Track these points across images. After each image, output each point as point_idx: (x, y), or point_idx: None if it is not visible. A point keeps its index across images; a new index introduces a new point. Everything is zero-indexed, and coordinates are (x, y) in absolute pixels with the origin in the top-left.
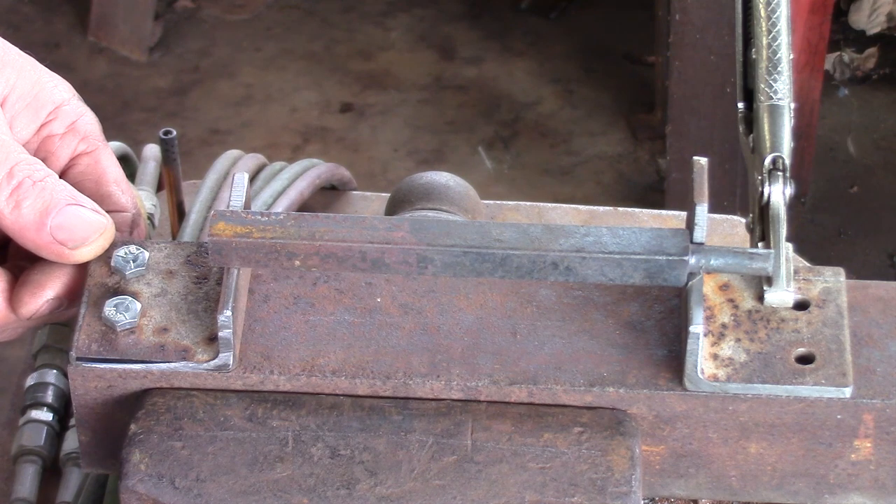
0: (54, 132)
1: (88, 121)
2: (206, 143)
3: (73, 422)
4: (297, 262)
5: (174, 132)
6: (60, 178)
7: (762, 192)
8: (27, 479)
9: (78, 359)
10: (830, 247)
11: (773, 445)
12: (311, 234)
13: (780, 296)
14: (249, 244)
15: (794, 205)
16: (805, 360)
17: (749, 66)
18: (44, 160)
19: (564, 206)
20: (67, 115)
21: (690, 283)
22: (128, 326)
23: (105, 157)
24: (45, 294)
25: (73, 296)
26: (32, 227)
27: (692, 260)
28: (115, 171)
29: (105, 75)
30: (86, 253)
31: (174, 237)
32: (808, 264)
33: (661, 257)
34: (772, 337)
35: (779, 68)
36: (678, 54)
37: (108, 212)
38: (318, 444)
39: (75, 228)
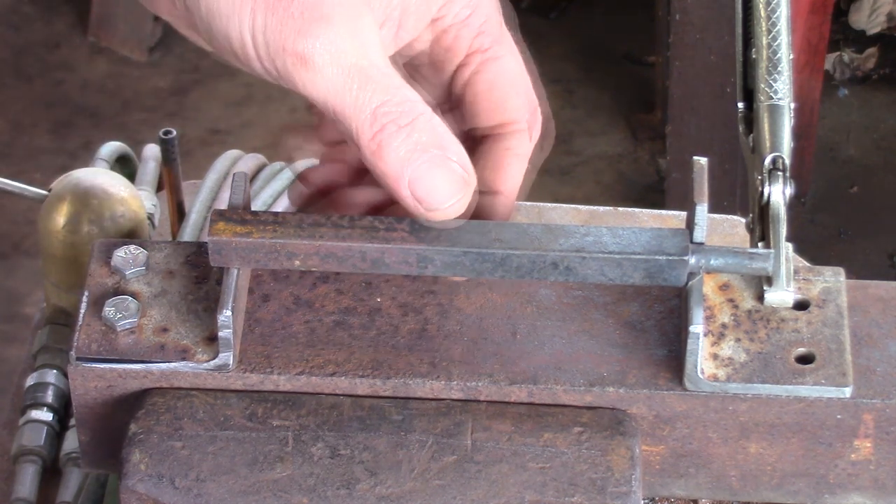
0: (447, 26)
1: (484, 13)
2: (206, 143)
3: (73, 422)
4: (297, 262)
5: (174, 132)
6: (454, 80)
7: (762, 192)
8: (27, 479)
9: (78, 359)
10: (830, 247)
11: (773, 445)
12: (312, 234)
13: (780, 296)
14: (249, 244)
15: (794, 205)
16: (805, 360)
17: (749, 66)
18: (437, 62)
19: (564, 205)
20: (460, 5)
21: (690, 283)
22: (128, 326)
23: (503, 55)
24: None
25: None
26: (391, 176)
27: (692, 260)
28: (512, 72)
29: (105, 75)
30: (440, 216)
31: (174, 237)
32: (808, 264)
33: (661, 257)
34: (772, 337)
35: (779, 68)
36: (678, 54)
37: (498, 125)
38: (318, 444)
39: (433, 189)
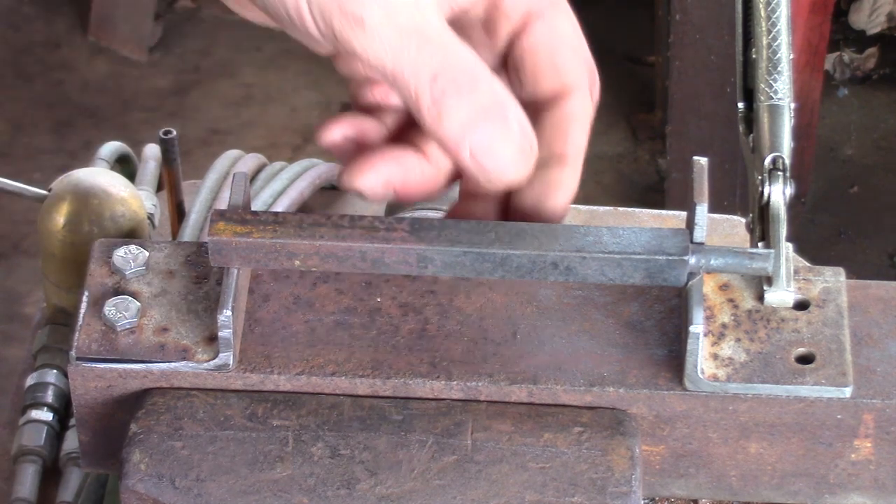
0: None
1: None
2: (206, 143)
3: (73, 422)
4: (297, 262)
5: (174, 132)
6: (510, 44)
7: (762, 192)
8: (27, 479)
9: (78, 359)
10: (830, 247)
11: (773, 445)
12: (312, 233)
13: (780, 296)
14: (249, 244)
15: (794, 205)
16: (805, 359)
17: (749, 66)
18: (491, 26)
19: None
20: None
21: (691, 283)
22: (128, 326)
23: (558, 17)
24: None
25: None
26: (452, 141)
27: (692, 260)
28: (569, 34)
29: (105, 75)
30: (502, 182)
31: (174, 237)
32: (808, 264)
33: (661, 257)
34: (772, 337)
35: (779, 68)
36: (678, 54)
37: (559, 88)
38: (318, 444)
39: (496, 155)
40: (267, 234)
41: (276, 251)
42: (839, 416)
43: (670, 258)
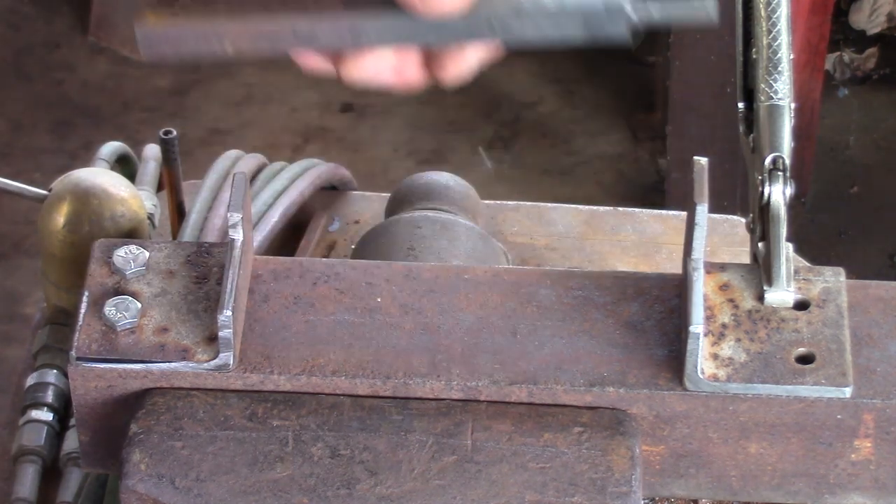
0: None
1: None
2: (206, 143)
3: (73, 422)
4: (228, 46)
5: (174, 132)
6: None
7: (762, 192)
8: (27, 479)
9: (78, 359)
10: (830, 247)
11: (773, 445)
12: (240, 14)
13: (780, 296)
14: (178, 31)
15: (794, 205)
16: (805, 360)
17: (749, 66)
18: None
19: (565, 205)
20: None
21: (691, 281)
22: (128, 326)
23: None
24: None
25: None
26: None
27: (629, 8)
28: None
29: (105, 75)
30: (438, 7)
31: (174, 237)
32: (808, 264)
33: (597, 3)
34: (772, 337)
35: (779, 68)
36: (678, 54)
37: None
38: (318, 444)
39: None
40: (195, 18)
41: (206, 35)
42: (839, 416)
43: (608, 5)
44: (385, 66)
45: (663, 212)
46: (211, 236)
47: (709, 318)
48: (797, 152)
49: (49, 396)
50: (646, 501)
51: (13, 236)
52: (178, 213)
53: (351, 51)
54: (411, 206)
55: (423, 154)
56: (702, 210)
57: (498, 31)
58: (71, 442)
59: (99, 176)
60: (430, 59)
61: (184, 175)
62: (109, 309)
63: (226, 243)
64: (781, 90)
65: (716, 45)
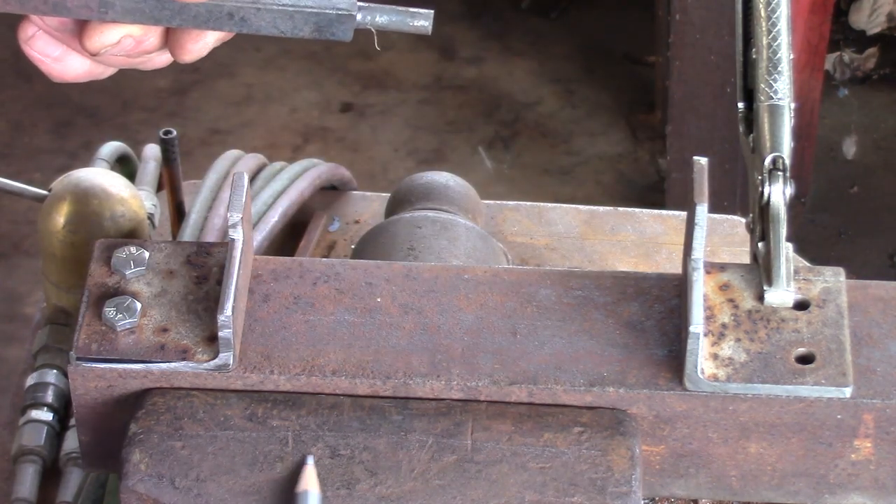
0: None
1: None
2: (206, 143)
3: (73, 422)
4: None
5: (174, 132)
6: None
7: (762, 192)
8: (27, 479)
9: (78, 359)
10: (830, 247)
11: (773, 445)
12: None
13: (780, 296)
14: None
15: (794, 205)
16: (805, 360)
17: (749, 66)
18: None
19: (564, 205)
20: None
21: (691, 281)
22: (128, 326)
23: None
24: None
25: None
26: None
27: (359, 16)
28: None
29: None
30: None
31: (174, 237)
32: (808, 264)
33: (330, 11)
34: (772, 337)
35: (779, 68)
36: (678, 54)
37: None
38: (318, 444)
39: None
40: None
41: None
42: (839, 416)
43: (339, 12)
44: (127, 38)
45: (663, 212)
46: (211, 236)
47: (709, 318)
48: (797, 152)
49: (49, 396)
50: (646, 501)
51: (13, 236)
52: (178, 213)
53: (96, 21)
54: (411, 206)
55: (423, 154)
56: (702, 210)
57: (237, 23)
58: (71, 442)
59: (99, 176)
60: (170, 37)
61: (184, 175)
62: (109, 309)
63: (226, 243)
64: (781, 90)
65: (716, 45)
